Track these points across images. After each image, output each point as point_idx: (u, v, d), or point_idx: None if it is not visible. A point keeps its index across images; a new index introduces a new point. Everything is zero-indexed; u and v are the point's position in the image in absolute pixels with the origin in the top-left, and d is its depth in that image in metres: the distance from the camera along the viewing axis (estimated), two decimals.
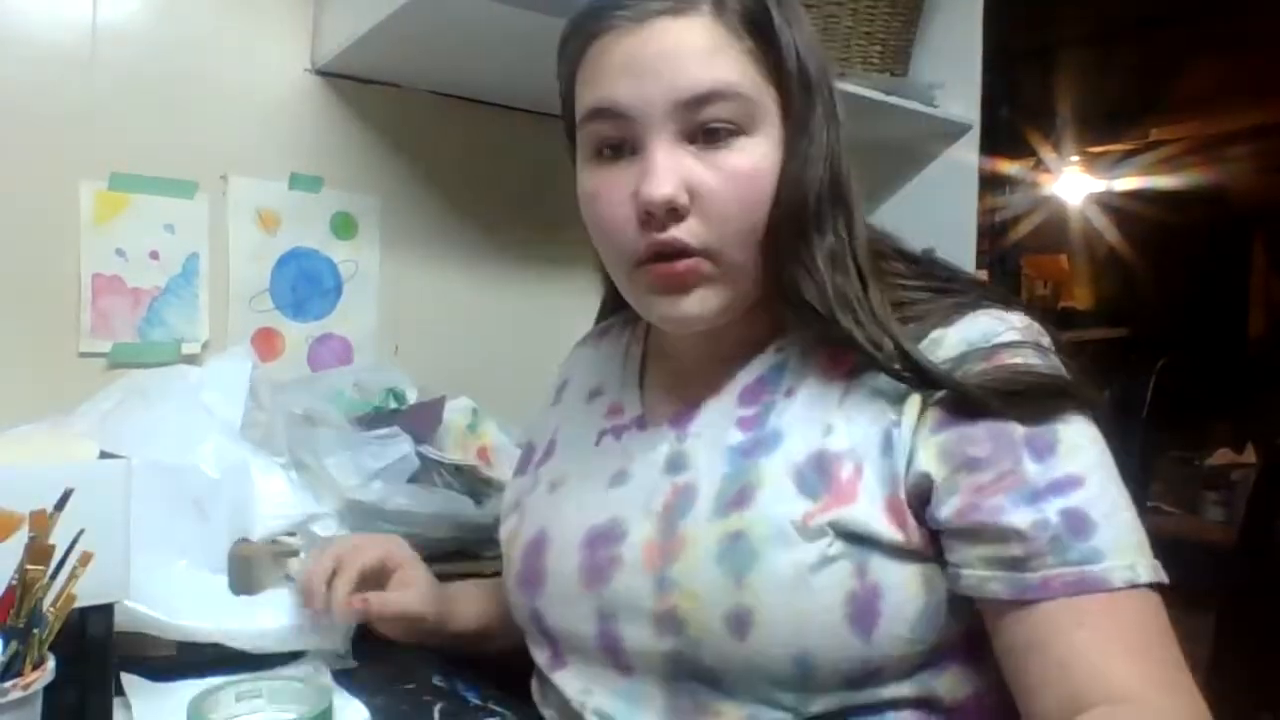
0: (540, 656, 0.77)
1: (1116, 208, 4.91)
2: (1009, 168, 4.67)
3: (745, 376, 0.72)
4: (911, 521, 0.63)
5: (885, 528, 0.62)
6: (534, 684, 0.80)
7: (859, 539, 0.62)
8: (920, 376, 0.63)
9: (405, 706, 0.78)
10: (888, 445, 0.64)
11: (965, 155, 1.61)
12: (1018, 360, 0.63)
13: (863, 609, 0.61)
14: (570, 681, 0.73)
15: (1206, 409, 3.01)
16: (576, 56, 0.68)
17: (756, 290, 0.69)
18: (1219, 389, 3.25)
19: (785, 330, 0.72)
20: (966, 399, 0.62)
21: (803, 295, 0.65)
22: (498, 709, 0.78)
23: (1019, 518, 0.59)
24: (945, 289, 0.70)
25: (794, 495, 0.64)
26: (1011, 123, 4.37)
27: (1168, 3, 3.95)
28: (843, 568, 0.62)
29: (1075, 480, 0.60)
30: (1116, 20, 4.08)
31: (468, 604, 0.91)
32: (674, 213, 0.64)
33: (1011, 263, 5.20)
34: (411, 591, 0.86)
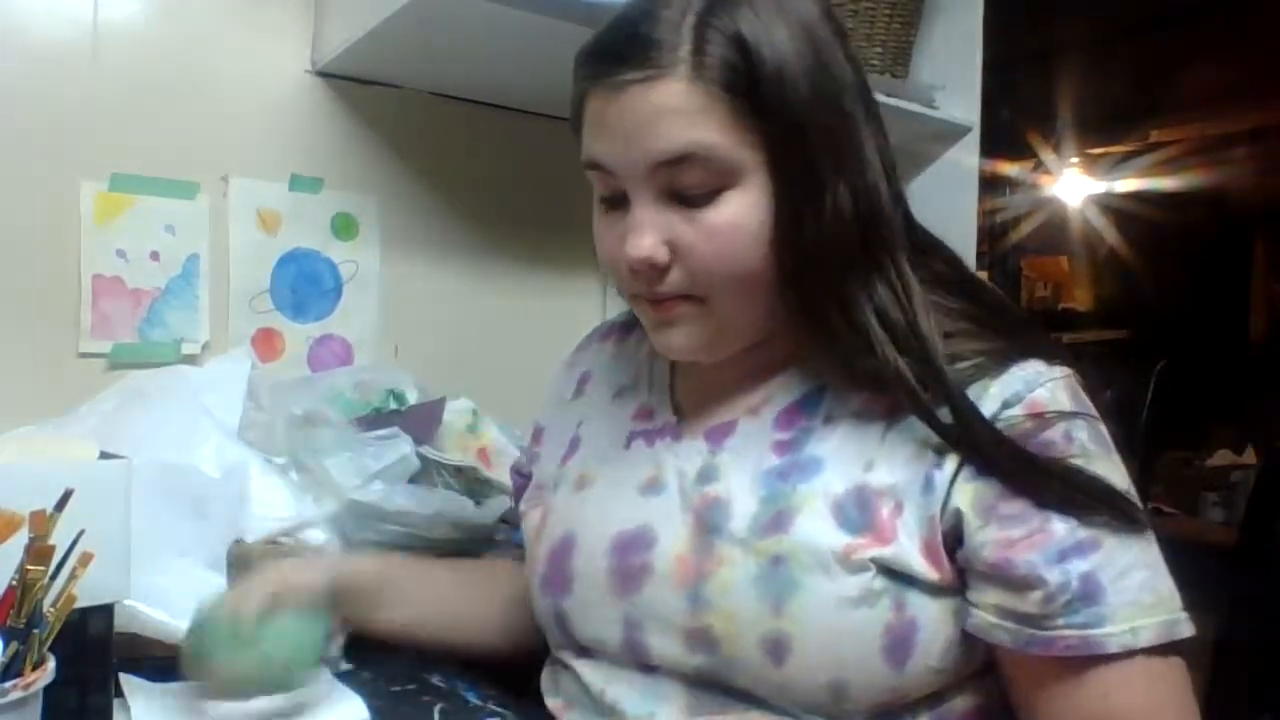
0: (560, 650, 0.77)
1: (1116, 209, 4.91)
2: (1009, 169, 4.68)
3: (782, 398, 0.72)
4: (945, 560, 0.64)
5: (923, 567, 0.63)
6: (545, 673, 0.80)
7: (899, 576, 0.63)
8: (971, 444, 0.63)
9: (405, 707, 0.78)
10: (928, 486, 0.64)
11: (965, 157, 1.61)
12: (1074, 456, 0.63)
13: (898, 641, 0.63)
14: (590, 671, 0.73)
15: (1206, 410, 3.01)
16: (578, 103, 0.69)
17: (761, 326, 0.70)
18: (1219, 391, 3.26)
19: (810, 348, 0.72)
20: (1011, 476, 0.62)
21: (836, 338, 0.66)
22: (498, 709, 0.78)
23: (1048, 575, 0.60)
24: (990, 323, 0.69)
25: (833, 528, 0.64)
26: (1012, 124, 4.37)
27: (1168, 4, 3.95)
28: (883, 603, 0.63)
29: (1094, 542, 0.61)
30: (1116, 22, 4.08)
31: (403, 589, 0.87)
32: (655, 268, 0.65)
33: (1011, 264, 5.22)
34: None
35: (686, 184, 0.64)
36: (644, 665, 0.70)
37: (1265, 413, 3.04)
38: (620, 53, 0.64)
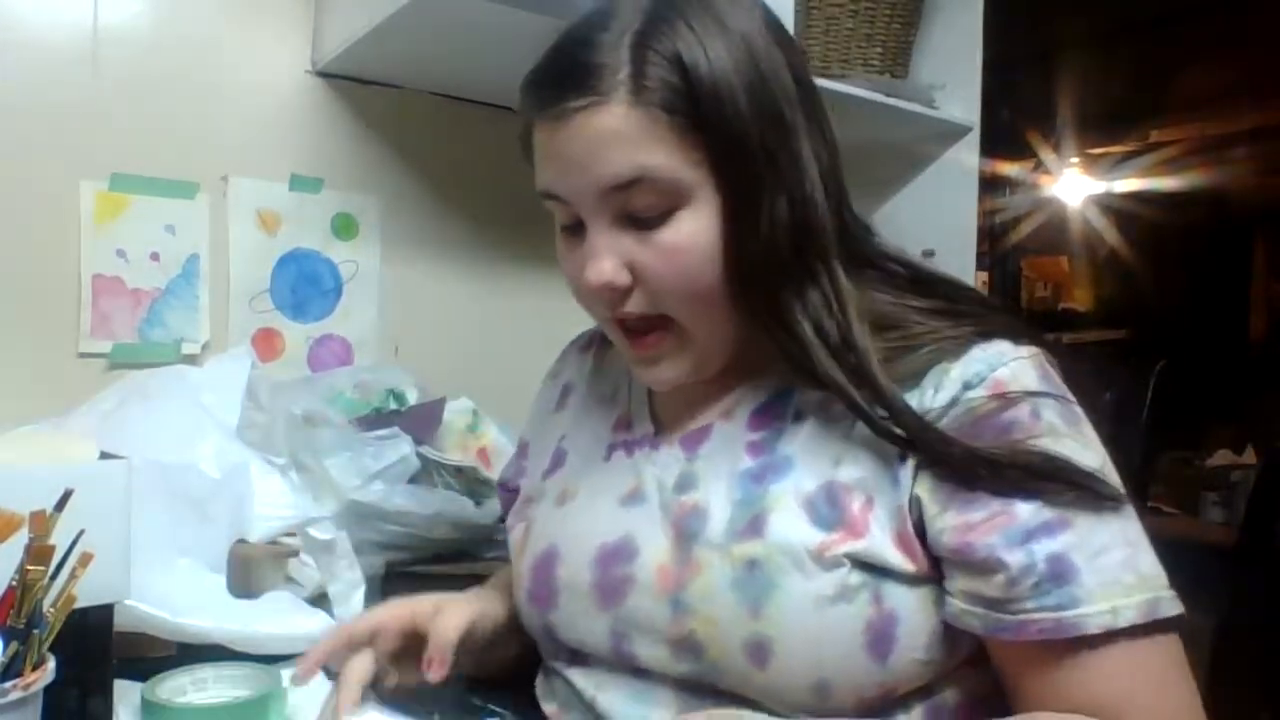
0: (551, 659, 0.78)
1: (1116, 209, 4.91)
2: (1009, 169, 4.67)
3: (753, 399, 0.72)
4: (919, 550, 0.63)
5: (897, 558, 0.63)
6: (540, 679, 0.80)
7: (874, 569, 0.63)
8: (917, 449, 0.63)
9: (405, 706, 0.77)
10: (895, 478, 0.64)
11: (965, 157, 1.61)
12: (1042, 440, 0.61)
13: (879, 636, 0.62)
14: (581, 677, 0.73)
15: (1206, 410, 3.01)
16: (526, 134, 0.70)
17: (732, 341, 0.70)
18: (1219, 391, 3.26)
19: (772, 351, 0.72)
20: (964, 473, 0.62)
21: (785, 350, 0.66)
22: (498, 709, 0.78)
23: (1009, 558, 0.59)
24: (950, 310, 0.68)
25: (807, 525, 0.64)
26: (1012, 124, 4.37)
27: (1168, 3, 3.95)
28: (861, 597, 0.62)
29: (1064, 521, 0.60)
30: (1116, 22, 4.08)
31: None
32: (616, 291, 0.66)
33: (1012, 264, 5.21)
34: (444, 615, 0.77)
35: (638, 207, 0.65)
36: (634, 669, 0.70)
37: (1265, 413, 3.04)
38: (562, 80, 0.65)
